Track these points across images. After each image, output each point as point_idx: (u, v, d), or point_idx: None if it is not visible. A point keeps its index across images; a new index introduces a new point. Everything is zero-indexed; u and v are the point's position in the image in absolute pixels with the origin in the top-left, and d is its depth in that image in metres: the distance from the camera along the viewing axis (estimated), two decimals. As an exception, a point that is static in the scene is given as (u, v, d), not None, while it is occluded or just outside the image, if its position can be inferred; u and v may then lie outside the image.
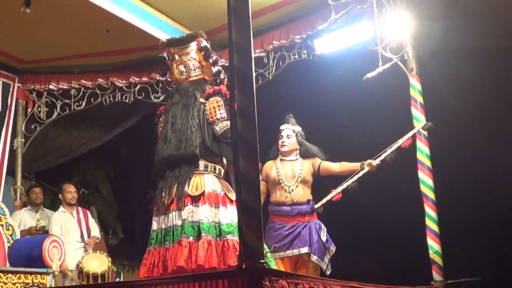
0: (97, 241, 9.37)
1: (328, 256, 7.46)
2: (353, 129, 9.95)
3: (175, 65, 6.48)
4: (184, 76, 6.43)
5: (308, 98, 10.24)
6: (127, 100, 10.03)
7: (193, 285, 3.58)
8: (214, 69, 6.55)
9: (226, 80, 6.44)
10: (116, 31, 8.72)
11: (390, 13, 7.78)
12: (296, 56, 8.96)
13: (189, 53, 6.50)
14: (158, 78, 9.70)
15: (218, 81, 6.56)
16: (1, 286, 6.96)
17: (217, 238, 5.70)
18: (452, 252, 7.74)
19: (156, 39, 8.56)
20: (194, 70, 6.47)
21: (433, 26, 7.90)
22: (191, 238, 5.68)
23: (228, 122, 5.83)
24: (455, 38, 7.95)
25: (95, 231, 9.43)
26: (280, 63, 9.08)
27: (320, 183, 7.83)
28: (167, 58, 6.60)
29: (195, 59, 6.48)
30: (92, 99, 10.15)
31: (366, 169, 7.50)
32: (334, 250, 7.53)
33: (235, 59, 3.82)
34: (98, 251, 8.84)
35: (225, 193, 6.10)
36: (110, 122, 10.79)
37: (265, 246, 3.79)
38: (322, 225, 7.57)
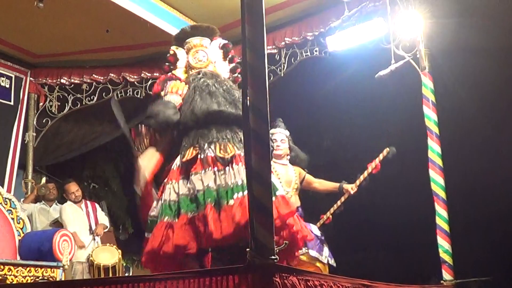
0: (105, 230, 9.39)
1: (326, 246, 7.44)
2: (364, 127, 9.93)
3: (192, 55, 6.30)
4: (204, 64, 6.23)
5: (319, 95, 10.22)
6: (139, 95, 10.08)
7: (203, 280, 3.59)
8: (231, 66, 6.45)
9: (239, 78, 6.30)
10: (128, 26, 8.74)
11: (403, 11, 7.77)
12: (308, 53, 8.97)
13: (203, 45, 6.36)
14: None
15: (232, 78, 6.40)
16: (12, 279, 6.99)
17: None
18: (462, 251, 7.71)
19: (168, 35, 8.60)
20: (211, 62, 6.32)
21: (446, 24, 7.87)
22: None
23: None
24: (468, 36, 7.93)
25: (104, 221, 9.46)
26: (292, 60, 9.10)
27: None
28: (175, 54, 6.42)
29: (211, 53, 6.34)
30: (103, 94, 10.18)
31: (346, 194, 7.57)
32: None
33: (248, 55, 3.81)
34: (108, 244, 8.87)
35: None
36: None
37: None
38: (310, 225, 7.42)
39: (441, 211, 7.60)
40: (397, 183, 9.03)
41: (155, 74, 9.85)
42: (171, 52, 6.43)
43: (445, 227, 7.56)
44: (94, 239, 9.11)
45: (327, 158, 13.19)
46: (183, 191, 5.52)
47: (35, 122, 10.29)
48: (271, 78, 8.65)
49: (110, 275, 7.28)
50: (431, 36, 7.94)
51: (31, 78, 10.36)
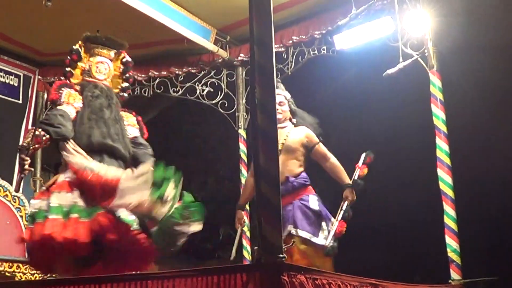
0: None
1: (328, 226, 6.66)
2: (372, 125, 9.93)
3: (94, 63, 6.36)
4: (102, 77, 6.34)
5: (327, 93, 10.23)
6: (146, 94, 10.07)
7: (211, 278, 3.59)
8: (124, 84, 6.63)
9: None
10: (135, 25, 8.74)
11: (411, 9, 7.75)
12: (316, 52, 8.97)
13: (108, 58, 6.49)
14: (177, 72, 9.78)
15: (123, 94, 6.60)
16: (20, 277, 7.02)
17: None
18: (470, 251, 7.70)
19: (176, 34, 8.65)
20: (109, 76, 6.45)
21: (454, 22, 7.86)
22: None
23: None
24: (476, 34, 7.93)
25: None
26: (300, 59, 9.10)
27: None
28: (80, 50, 6.47)
29: (111, 65, 6.47)
30: (111, 93, 10.18)
31: (346, 203, 6.83)
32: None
33: (256, 54, 3.81)
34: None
35: None
36: (129, 116, 10.82)
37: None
38: (310, 196, 6.78)
39: (449, 210, 7.56)
40: (405, 182, 9.03)
41: (162, 72, 9.88)
42: (76, 49, 6.44)
43: (453, 226, 7.52)
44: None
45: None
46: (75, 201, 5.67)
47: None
48: (279, 77, 8.65)
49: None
50: (439, 34, 7.91)
51: (39, 77, 10.39)
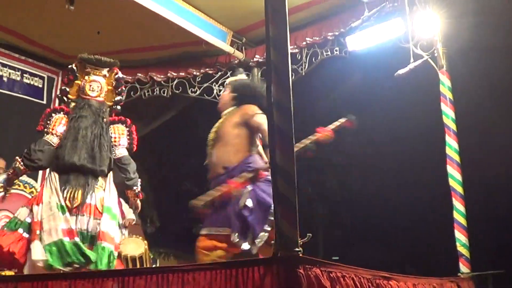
0: (133, 223, 9.36)
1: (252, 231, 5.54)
2: (383, 123, 9.91)
3: (88, 82, 6.75)
4: (94, 94, 6.73)
5: (339, 93, 10.22)
6: (165, 94, 10.08)
7: (230, 271, 3.60)
8: (117, 98, 6.98)
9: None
10: (155, 28, 8.76)
11: (421, 11, 7.74)
12: (329, 53, 8.96)
13: (100, 76, 6.84)
14: (195, 73, 9.80)
15: (116, 107, 6.97)
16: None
17: None
18: (479, 245, 7.69)
19: (194, 36, 8.65)
20: (102, 92, 6.81)
21: (462, 24, 7.85)
22: None
23: (125, 151, 6.75)
24: (484, 35, 7.92)
25: (130, 215, 9.44)
26: (313, 60, 9.09)
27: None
28: (76, 70, 6.85)
29: (104, 82, 6.84)
30: (131, 93, 10.20)
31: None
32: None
33: (272, 54, 3.81)
34: (134, 236, 8.87)
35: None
36: (148, 116, 10.87)
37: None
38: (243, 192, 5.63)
39: (458, 206, 7.56)
40: (416, 178, 9.01)
41: (181, 73, 9.89)
42: (72, 69, 6.87)
43: (463, 221, 7.53)
44: (121, 232, 9.11)
45: (344, 154, 13.26)
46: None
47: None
48: (293, 77, 8.64)
49: (138, 266, 7.27)
50: (448, 36, 7.91)
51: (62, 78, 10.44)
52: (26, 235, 6.12)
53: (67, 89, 6.83)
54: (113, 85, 6.95)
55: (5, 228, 6.22)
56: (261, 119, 5.70)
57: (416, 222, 9.40)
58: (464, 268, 7.42)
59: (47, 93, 10.25)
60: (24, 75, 9.92)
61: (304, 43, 9.02)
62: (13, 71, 9.74)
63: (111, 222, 6.61)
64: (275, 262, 3.54)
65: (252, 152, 5.92)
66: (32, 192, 8.05)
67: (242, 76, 6.87)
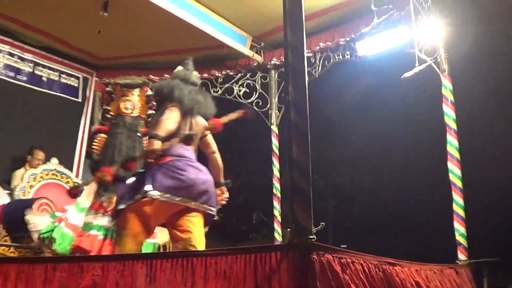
0: None
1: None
2: (389, 122, 9.89)
3: (122, 101, 7.17)
4: (128, 112, 7.14)
5: (350, 93, 10.20)
6: (190, 94, 10.08)
7: (249, 256, 3.59)
8: (149, 112, 7.23)
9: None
10: (181, 33, 8.76)
11: (425, 20, 7.73)
12: (340, 57, 8.95)
13: (133, 94, 7.24)
14: (217, 74, 9.82)
15: (148, 119, 7.21)
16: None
17: None
18: (476, 235, 7.68)
19: (216, 40, 8.64)
20: (135, 108, 7.21)
21: (464, 31, 7.83)
22: None
23: None
24: (484, 41, 7.89)
25: None
26: (326, 63, 9.07)
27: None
28: (112, 91, 7.23)
29: (137, 100, 7.24)
30: (159, 93, 10.23)
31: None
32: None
33: (289, 57, 3.80)
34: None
35: None
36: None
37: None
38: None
39: (457, 199, 7.57)
40: (419, 174, 8.99)
41: (204, 75, 9.87)
42: (110, 91, 7.28)
43: (461, 213, 7.54)
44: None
45: (353, 151, 13.24)
46: None
47: (99, 117, 10.39)
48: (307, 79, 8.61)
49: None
50: (451, 42, 7.91)
51: (96, 78, 10.52)
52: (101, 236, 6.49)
53: (108, 108, 7.21)
54: (145, 101, 7.28)
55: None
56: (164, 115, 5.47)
57: (419, 214, 9.38)
58: (462, 256, 7.43)
59: (82, 92, 10.34)
60: (62, 75, 9.98)
61: (318, 47, 9.01)
62: (52, 72, 9.79)
63: None
64: (290, 248, 3.53)
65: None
66: (68, 182, 8.07)
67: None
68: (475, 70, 8.29)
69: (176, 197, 5.11)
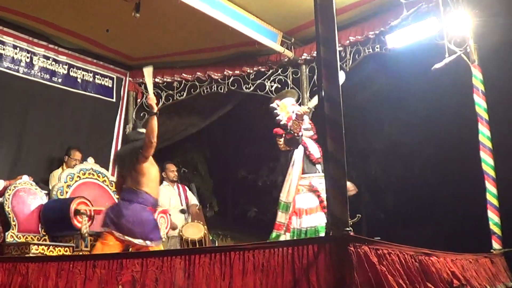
0: (197, 208, 9.38)
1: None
2: (421, 113, 9.81)
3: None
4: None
5: (381, 86, 10.13)
6: (222, 91, 10.10)
7: (287, 249, 3.58)
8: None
9: None
10: (212, 31, 8.76)
11: (454, 11, 7.66)
12: (370, 50, 8.87)
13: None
14: (248, 70, 9.79)
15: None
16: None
17: None
18: (510, 223, 7.60)
19: (248, 37, 8.63)
20: None
21: (492, 22, 7.73)
22: None
23: None
24: (512, 32, 7.79)
25: (194, 200, 9.48)
26: (356, 56, 9.00)
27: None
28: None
29: None
30: (191, 90, 10.28)
31: None
32: None
33: (322, 51, 3.77)
34: (196, 221, 8.91)
35: None
36: (207, 110, 10.91)
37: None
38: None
39: (491, 188, 7.56)
40: (451, 164, 8.90)
41: (236, 71, 9.89)
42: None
43: (495, 202, 7.52)
44: (185, 218, 9.15)
45: (385, 142, 13.15)
46: None
47: (133, 116, 10.44)
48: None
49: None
50: (479, 33, 7.85)
51: (129, 78, 10.57)
52: None
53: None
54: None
55: None
56: None
57: (452, 204, 9.29)
58: (496, 245, 7.41)
59: (116, 92, 10.39)
60: (96, 76, 10.04)
61: (348, 41, 8.94)
62: (86, 73, 9.85)
63: None
64: (327, 240, 3.52)
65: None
66: (104, 181, 8.12)
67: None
68: (505, 60, 8.18)
69: None
